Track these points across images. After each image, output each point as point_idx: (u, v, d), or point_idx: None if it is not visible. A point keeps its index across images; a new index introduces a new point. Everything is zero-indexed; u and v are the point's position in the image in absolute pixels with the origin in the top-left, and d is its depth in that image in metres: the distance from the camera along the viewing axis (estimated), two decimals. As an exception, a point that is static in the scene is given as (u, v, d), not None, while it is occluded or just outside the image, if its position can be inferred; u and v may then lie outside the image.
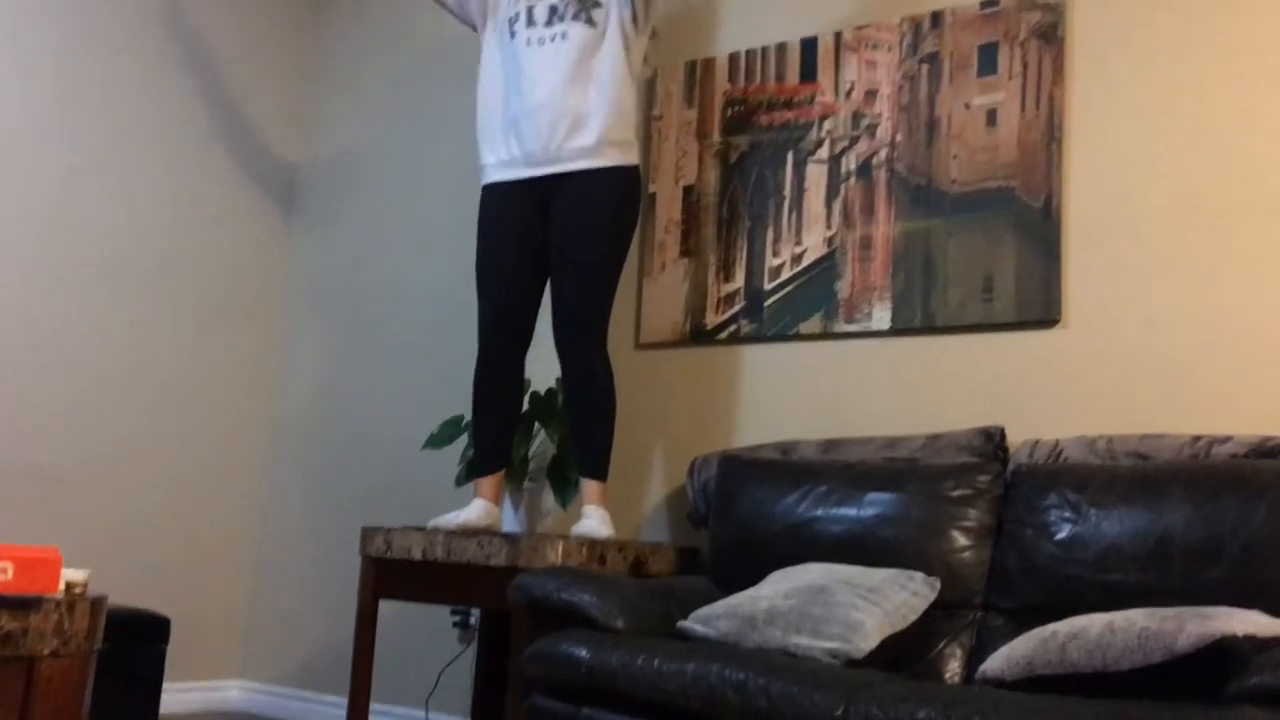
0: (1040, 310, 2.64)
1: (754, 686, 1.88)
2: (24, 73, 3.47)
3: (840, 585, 2.21)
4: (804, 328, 2.96)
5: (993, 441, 2.53)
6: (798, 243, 3.01)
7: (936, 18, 2.89)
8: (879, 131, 2.93)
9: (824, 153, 3.01)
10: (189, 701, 3.75)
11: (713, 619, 2.24)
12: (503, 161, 2.87)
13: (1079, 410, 2.56)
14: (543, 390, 3.13)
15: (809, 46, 3.08)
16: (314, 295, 4.06)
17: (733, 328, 3.08)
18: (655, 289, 3.22)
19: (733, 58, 3.21)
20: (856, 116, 2.98)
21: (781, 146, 3.08)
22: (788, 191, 3.05)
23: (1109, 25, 2.67)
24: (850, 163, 2.97)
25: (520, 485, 3.04)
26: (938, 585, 2.27)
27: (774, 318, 3.01)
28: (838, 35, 3.04)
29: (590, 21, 2.80)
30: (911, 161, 2.87)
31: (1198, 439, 2.29)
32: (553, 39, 2.81)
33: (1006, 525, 2.35)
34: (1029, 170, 2.70)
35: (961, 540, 2.37)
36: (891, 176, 2.89)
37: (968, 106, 2.81)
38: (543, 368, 3.26)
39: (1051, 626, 1.93)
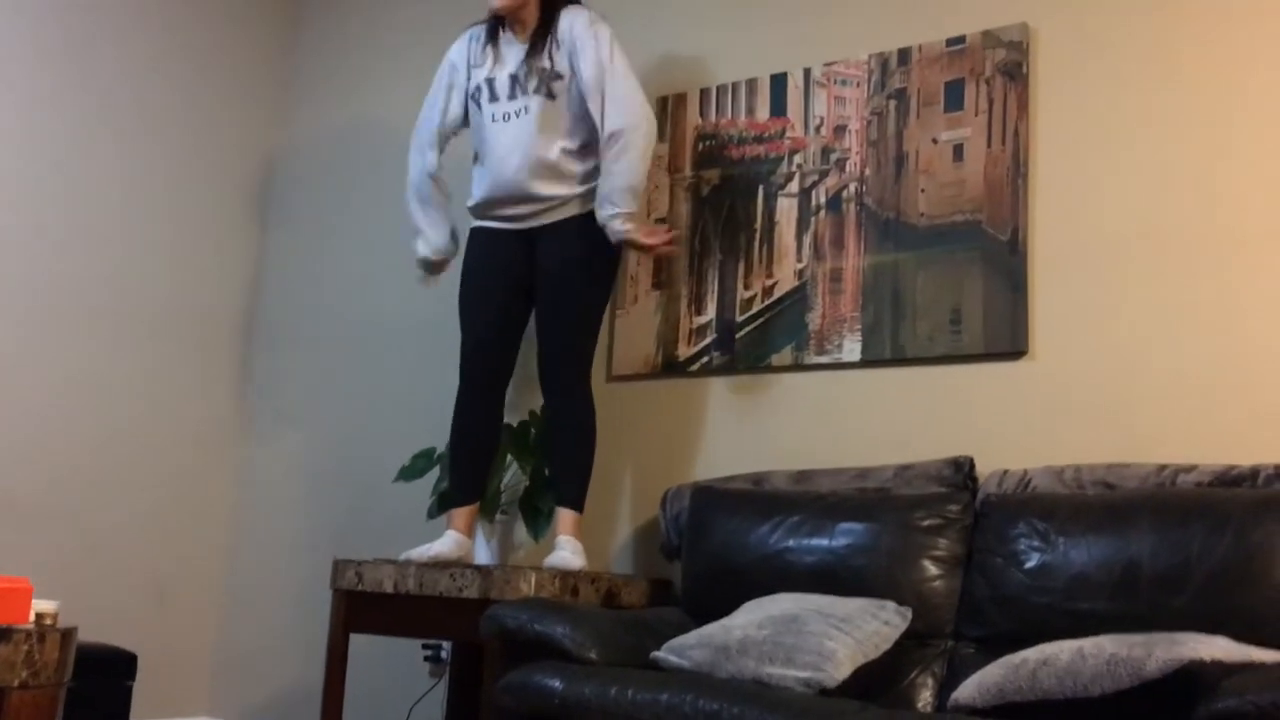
0: (1008, 342, 2.67)
1: (728, 716, 1.88)
2: (-6, 104, 3.46)
3: (813, 614, 2.21)
4: (775, 359, 2.98)
5: (962, 471, 2.55)
6: (769, 275, 3.04)
7: (904, 55, 2.94)
8: (848, 166, 2.97)
9: (794, 186, 3.05)
10: (155, 739, 3.70)
11: (686, 649, 2.24)
12: (487, 214, 2.93)
13: (1047, 440, 2.60)
14: (515, 423, 3.13)
15: (779, 82, 3.13)
16: (286, 325, 4.04)
17: (705, 359, 3.10)
18: (627, 321, 3.24)
19: (704, 93, 3.25)
20: (826, 151, 3.02)
21: (752, 180, 3.11)
22: (759, 225, 3.08)
23: (1072, 62, 2.73)
24: (820, 196, 3.00)
25: (492, 517, 3.03)
26: (909, 615, 2.28)
27: (746, 350, 3.03)
28: (807, 71, 3.08)
29: (550, 94, 2.85)
30: (880, 195, 2.91)
31: (1163, 468, 2.32)
32: (516, 114, 2.86)
33: (976, 554, 2.37)
34: (996, 204, 2.74)
35: (932, 570, 2.38)
36: (861, 210, 2.93)
37: (935, 141, 2.85)
38: (516, 400, 3.26)
39: (1022, 654, 1.95)
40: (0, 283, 3.44)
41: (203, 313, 3.97)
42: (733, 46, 3.25)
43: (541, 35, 2.89)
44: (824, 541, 2.49)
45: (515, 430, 3.08)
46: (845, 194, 2.97)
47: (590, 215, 2.83)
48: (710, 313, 3.11)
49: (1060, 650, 1.90)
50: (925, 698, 2.24)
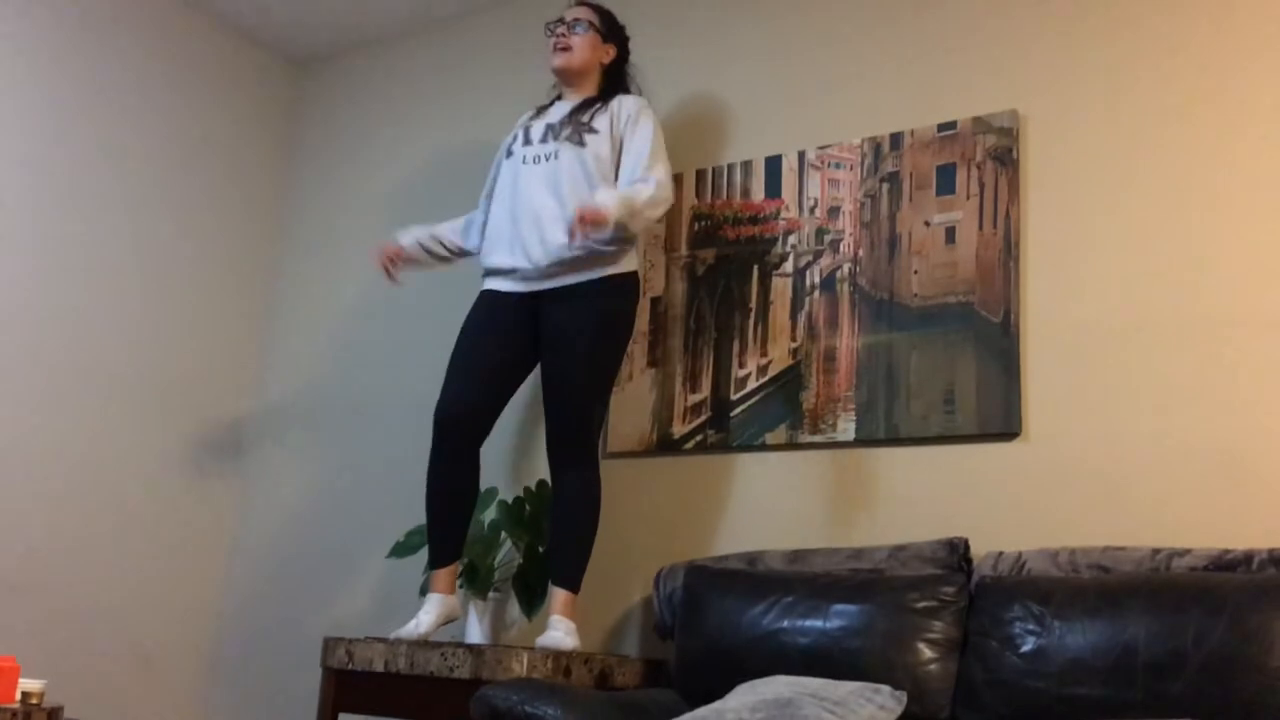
0: (1001, 423, 2.68)
1: (721, 803, 1.85)
2: (-1, 179, 3.50)
3: (806, 699, 2.19)
4: (770, 438, 2.99)
5: (957, 553, 2.54)
6: (763, 354, 3.06)
7: (896, 139, 2.99)
8: (842, 246, 3.01)
9: (789, 266, 3.08)
10: (137, 820, 3.63)
11: None
12: (499, 272, 2.90)
13: (1041, 521, 2.59)
14: (510, 499, 3.12)
15: (773, 164, 3.18)
16: (282, 398, 4.05)
17: (699, 437, 3.10)
18: (622, 398, 3.25)
19: (700, 173, 3.29)
20: (820, 232, 3.06)
21: (747, 260, 3.14)
22: (754, 304, 3.11)
23: (1061, 148, 2.78)
24: (814, 276, 3.03)
25: (485, 595, 3.01)
26: (904, 699, 2.26)
27: (740, 428, 3.04)
28: (801, 154, 3.14)
29: (581, 143, 2.87)
30: (874, 276, 2.94)
31: (1158, 552, 2.32)
32: (546, 158, 2.88)
33: (972, 637, 2.36)
34: (988, 286, 2.77)
35: (928, 653, 2.37)
36: (854, 290, 2.96)
37: (927, 224, 2.89)
38: (511, 476, 3.26)
39: None
40: (4, 367, 3.46)
41: (197, 385, 3.97)
42: (728, 129, 3.31)
43: (591, 101, 2.97)
44: (818, 623, 2.47)
45: (510, 506, 3.07)
46: (839, 274, 3.00)
47: (600, 281, 2.80)
48: (705, 391, 3.12)
49: None
50: (921, 785, 2.21)
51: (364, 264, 3.96)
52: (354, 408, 3.84)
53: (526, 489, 3.13)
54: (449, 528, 2.84)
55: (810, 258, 3.06)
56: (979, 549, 2.57)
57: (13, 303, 3.49)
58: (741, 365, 3.09)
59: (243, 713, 3.77)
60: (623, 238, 2.81)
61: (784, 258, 3.10)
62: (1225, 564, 2.24)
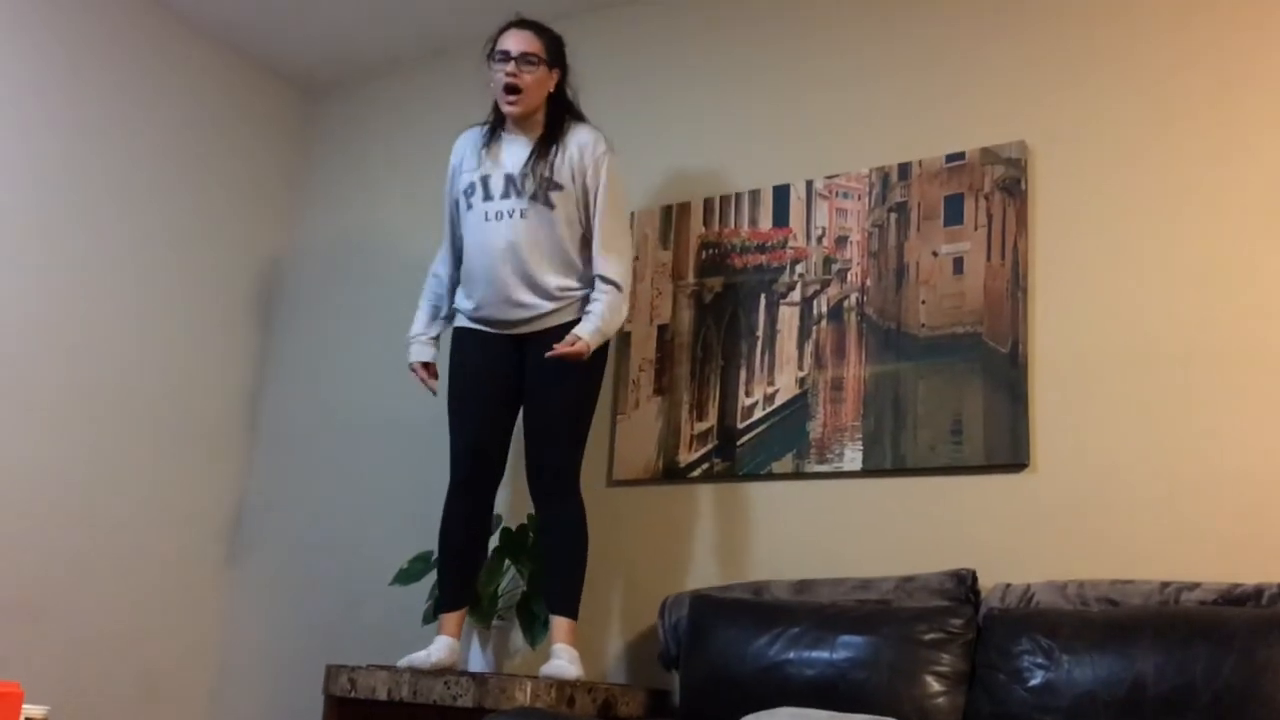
0: (1009, 454, 2.67)
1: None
2: None
3: (813, 731, 2.17)
4: (776, 467, 2.98)
5: (965, 584, 2.53)
6: (770, 383, 3.05)
7: (904, 169, 3.00)
8: (849, 276, 3.01)
9: (796, 295, 3.08)
10: None
11: None
12: (474, 317, 2.91)
13: (1049, 553, 2.58)
14: (514, 526, 3.11)
15: (781, 193, 3.18)
16: (286, 426, 4.04)
17: (705, 466, 3.09)
18: (628, 426, 3.24)
19: (707, 202, 3.30)
20: (828, 261, 3.06)
21: (754, 288, 3.14)
22: (760, 332, 3.11)
23: (1069, 179, 2.78)
24: (822, 305, 3.03)
25: (488, 623, 3.00)
26: (911, 732, 2.24)
27: (746, 457, 3.03)
28: (809, 183, 3.14)
29: (549, 204, 2.84)
30: (881, 306, 2.94)
31: (1167, 585, 2.30)
32: (509, 214, 2.84)
33: (980, 670, 2.34)
34: (995, 317, 2.77)
35: (935, 685, 2.35)
36: (862, 320, 2.96)
37: (935, 254, 2.89)
38: (513, 503, 3.25)
39: None
40: (6, 389, 3.45)
41: (202, 411, 3.97)
42: (736, 158, 3.32)
43: (547, 142, 2.88)
44: (824, 654, 2.45)
45: (514, 534, 3.06)
46: (846, 304, 3.00)
47: (573, 322, 2.84)
48: (711, 419, 3.12)
49: None
50: (928, 819, 2.19)
51: (369, 290, 3.97)
52: (358, 434, 3.84)
53: (530, 516, 3.11)
54: (464, 572, 2.86)
55: (818, 287, 3.06)
56: (987, 581, 2.56)
57: (19, 327, 3.50)
58: (748, 394, 3.08)
59: (243, 740, 3.74)
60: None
61: (791, 286, 3.10)
62: (1235, 598, 2.23)
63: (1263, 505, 2.39)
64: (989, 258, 2.81)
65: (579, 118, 2.96)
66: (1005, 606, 2.43)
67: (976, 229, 2.85)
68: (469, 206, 2.91)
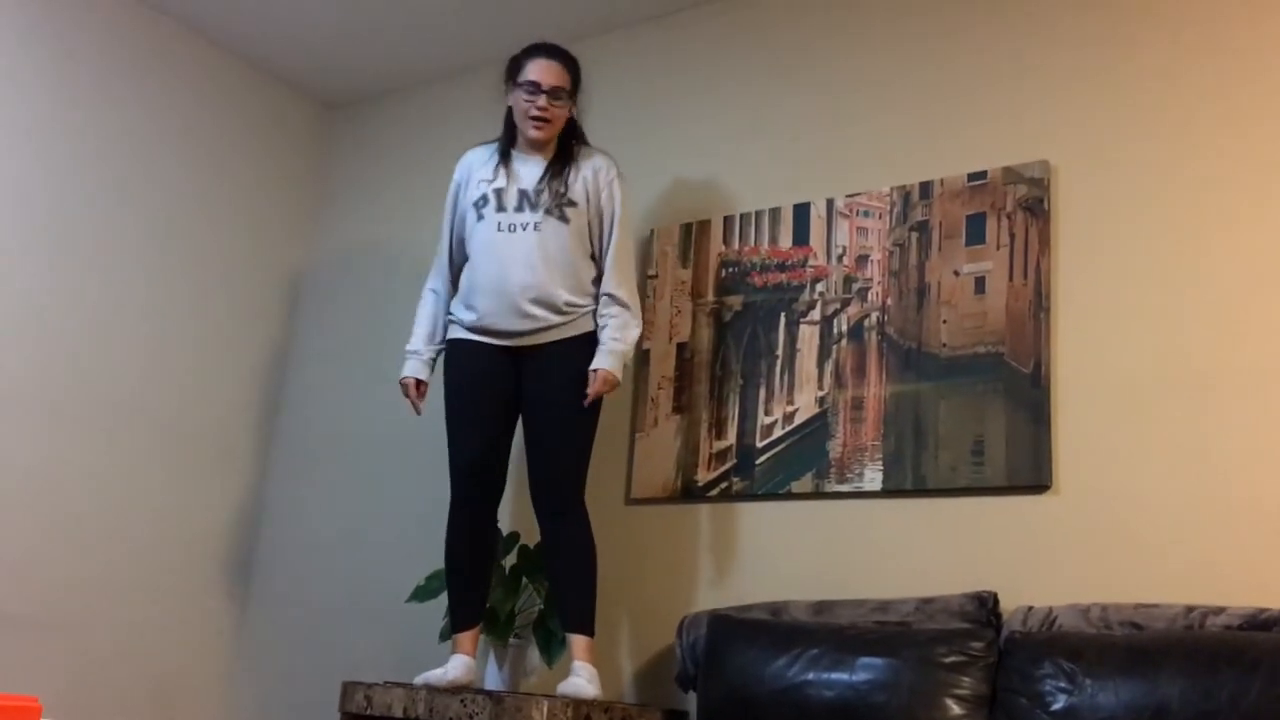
0: (1031, 475, 2.65)
1: None
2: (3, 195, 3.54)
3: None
4: (795, 486, 2.96)
5: (986, 607, 2.50)
6: (790, 402, 3.04)
7: (926, 188, 2.99)
8: (870, 295, 3.00)
9: (816, 314, 3.07)
10: None
11: None
12: (474, 327, 2.89)
13: (1071, 576, 2.55)
14: (531, 544, 3.10)
15: (801, 211, 3.18)
16: (299, 440, 4.05)
17: (724, 485, 3.08)
18: (647, 445, 3.23)
19: (727, 220, 3.30)
20: (848, 280, 3.05)
21: (774, 307, 3.13)
22: (780, 351, 3.10)
23: (1093, 199, 2.77)
24: (842, 324, 3.02)
25: (505, 641, 2.99)
26: (932, 756, 2.21)
27: (766, 476, 3.01)
28: (830, 201, 3.13)
29: (564, 219, 2.87)
30: (902, 325, 2.93)
31: (1192, 609, 2.27)
32: (523, 227, 2.86)
33: (1001, 694, 2.31)
34: (1018, 337, 2.75)
35: (955, 709, 2.32)
36: (882, 339, 2.95)
37: (957, 274, 2.88)
38: (528, 521, 3.24)
39: None
40: (23, 403, 3.46)
41: (218, 423, 3.98)
42: (756, 176, 3.31)
43: (561, 160, 2.94)
44: (844, 676, 2.43)
45: (531, 552, 3.05)
46: (867, 323, 2.98)
47: (579, 338, 2.85)
48: (731, 438, 3.10)
49: None
50: (949, 845, 2.16)
51: (388, 305, 3.98)
52: (374, 448, 3.84)
53: (549, 534, 3.11)
54: (472, 589, 2.86)
55: (838, 306, 3.04)
56: (1008, 603, 2.53)
57: (36, 340, 3.52)
58: (768, 413, 3.07)
59: (259, 756, 3.74)
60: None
61: (811, 305, 3.08)
62: (1261, 623, 2.20)
63: (1289, 529, 2.37)
64: (1011, 277, 2.80)
65: (584, 140, 3.02)
66: (1027, 629, 2.41)
67: (999, 248, 2.84)
68: (480, 218, 2.92)
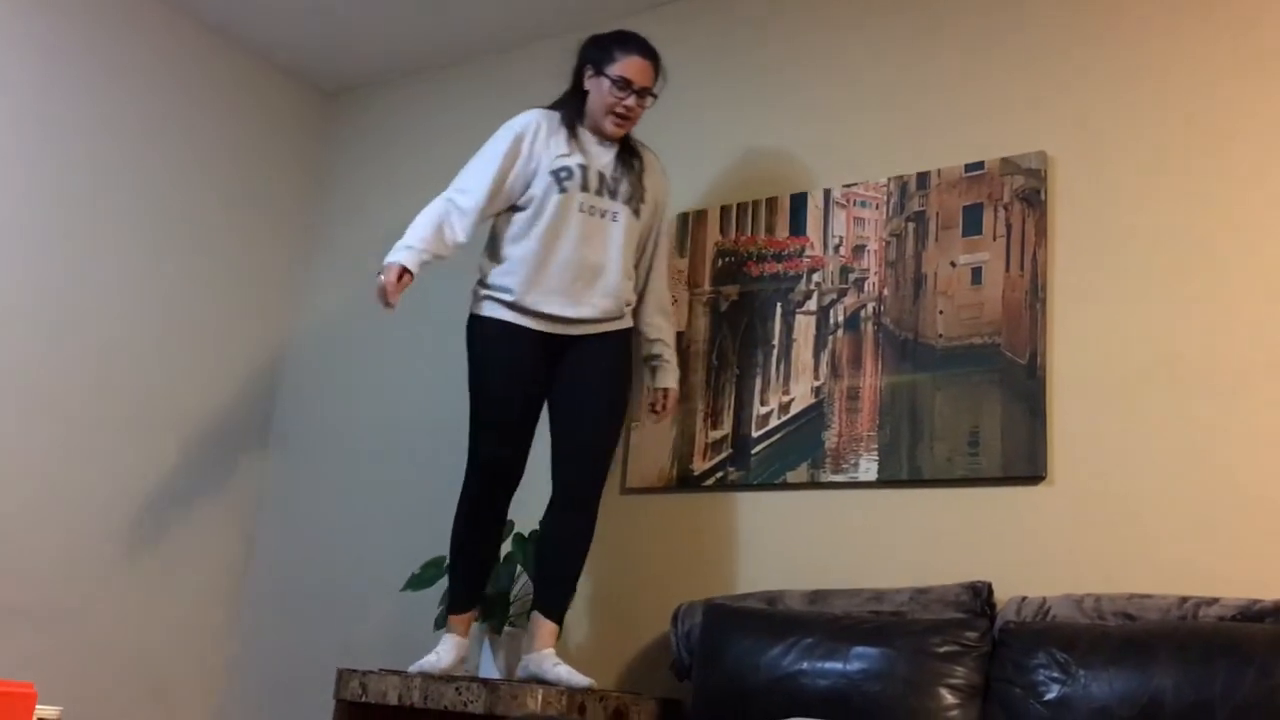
0: (1026, 466, 2.65)
1: None
2: None
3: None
4: (791, 476, 2.96)
5: (980, 597, 2.51)
6: (785, 392, 3.04)
7: (923, 178, 2.99)
8: (867, 285, 3.00)
9: (812, 304, 3.07)
10: None
11: None
12: (520, 305, 2.80)
13: (1066, 567, 2.56)
14: (526, 532, 3.10)
15: (798, 201, 3.17)
16: (297, 431, 4.05)
17: (720, 474, 3.08)
18: (643, 434, 3.23)
19: (724, 210, 3.29)
20: (845, 270, 3.04)
21: (771, 297, 3.13)
22: (776, 341, 3.10)
23: (1090, 190, 2.76)
24: (838, 315, 3.02)
25: (501, 629, 2.99)
26: (926, 745, 2.22)
27: (761, 466, 3.02)
28: (827, 192, 3.13)
29: (636, 214, 2.89)
30: (898, 315, 2.93)
31: (1185, 600, 2.28)
32: (602, 214, 2.84)
33: (994, 684, 2.32)
34: (1014, 328, 2.75)
35: (949, 699, 2.33)
36: (879, 329, 2.95)
37: (953, 264, 2.88)
38: (525, 510, 3.24)
39: None
40: (20, 398, 3.46)
41: (216, 412, 3.98)
42: (754, 166, 3.31)
43: (630, 153, 2.94)
44: (838, 665, 2.44)
45: (527, 540, 3.05)
46: (863, 313, 2.98)
47: (620, 335, 2.88)
48: (726, 427, 3.11)
49: None
50: (942, 834, 2.17)
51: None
52: (373, 437, 3.84)
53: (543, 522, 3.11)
54: (479, 577, 2.87)
55: (834, 296, 3.04)
56: (1002, 594, 2.54)
57: (37, 331, 3.51)
58: (764, 403, 3.07)
59: (254, 743, 3.74)
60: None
61: (808, 295, 3.08)
62: (1254, 614, 2.20)
63: (1277, 521, 2.37)
64: (1008, 268, 2.80)
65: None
66: (1021, 620, 2.41)
67: (995, 239, 2.84)
68: (561, 189, 2.81)
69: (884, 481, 2.84)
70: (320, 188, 4.34)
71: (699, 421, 3.15)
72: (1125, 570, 2.49)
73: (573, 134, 2.89)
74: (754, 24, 3.45)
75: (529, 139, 2.86)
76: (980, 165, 2.90)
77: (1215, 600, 2.26)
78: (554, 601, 2.80)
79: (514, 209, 2.86)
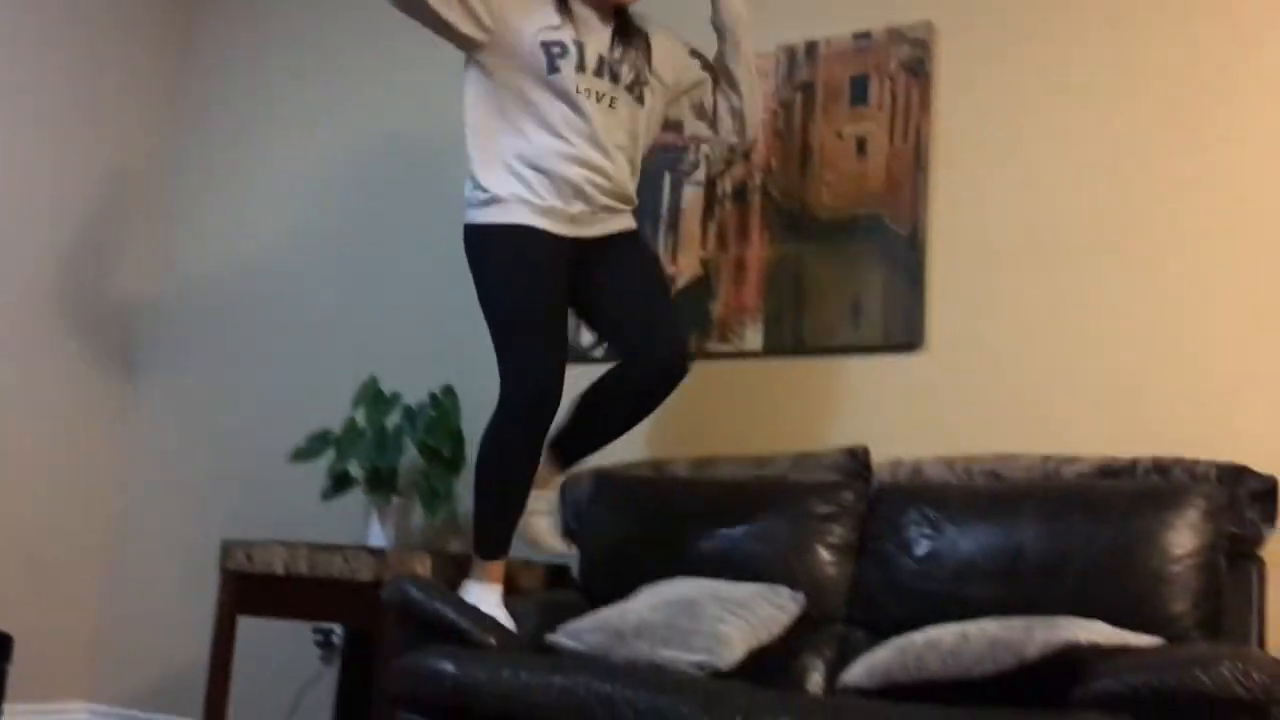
0: (905, 334, 2.72)
1: (620, 699, 1.88)
2: None
3: (708, 599, 2.23)
4: (678, 347, 2.99)
5: (858, 460, 2.59)
6: (673, 263, 3.05)
7: (811, 48, 2.97)
8: (754, 157, 3.00)
9: (700, 175, 3.06)
10: (30, 726, 3.58)
11: (581, 633, 2.24)
12: (538, 208, 2.38)
13: (940, 431, 2.65)
14: (415, 404, 3.09)
15: (688, 71, 3.13)
16: (183, 300, 3.93)
17: (607, 346, 3.09)
18: (531, 305, 3.21)
19: (613, 79, 3.23)
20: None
21: (659, 169, 3.11)
22: (664, 213, 3.09)
23: (972, 62, 2.79)
24: (726, 186, 3.02)
25: (388, 500, 2.99)
26: (803, 600, 2.31)
27: (648, 336, 3.03)
28: (716, 61, 3.09)
29: (640, 100, 2.47)
30: (785, 187, 2.94)
31: (1048, 459, 2.39)
32: (601, 98, 2.40)
33: (869, 542, 2.41)
34: (896, 199, 2.79)
35: (826, 556, 2.42)
36: (766, 201, 2.96)
37: (839, 135, 2.89)
38: (415, 379, 3.21)
39: (909, 636, 1.99)
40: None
41: (91, 288, 3.84)
42: (643, 33, 3.24)
43: (625, 28, 2.48)
44: (721, 528, 2.51)
45: (414, 411, 3.04)
46: (751, 185, 2.99)
47: (634, 232, 2.56)
48: (614, 299, 3.10)
49: (945, 633, 1.94)
50: (816, 680, 2.27)
51: (271, 163, 3.84)
52: (255, 310, 3.75)
53: (432, 395, 3.10)
54: (518, 512, 2.43)
55: (722, 168, 3.04)
56: (880, 457, 2.62)
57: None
58: (652, 274, 3.07)
59: (141, 620, 3.72)
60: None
61: (695, 166, 3.07)
62: (1111, 471, 2.32)
63: (1140, 384, 2.49)
64: (892, 140, 2.82)
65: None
66: (895, 481, 2.51)
67: (881, 110, 2.85)
68: (553, 69, 2.36)
69: (769, 351, 2.88)
70: (190, 51, 4.13)
71: (587, 293, 3.14)
72: (995, 433, 2.59)
73: (564, 5, 2.43)
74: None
75: (537, 40, 2.38)
76: (868, 35, 2.90)
77: (1076, 459, 2.37)
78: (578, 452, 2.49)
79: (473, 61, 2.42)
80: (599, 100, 2.39)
